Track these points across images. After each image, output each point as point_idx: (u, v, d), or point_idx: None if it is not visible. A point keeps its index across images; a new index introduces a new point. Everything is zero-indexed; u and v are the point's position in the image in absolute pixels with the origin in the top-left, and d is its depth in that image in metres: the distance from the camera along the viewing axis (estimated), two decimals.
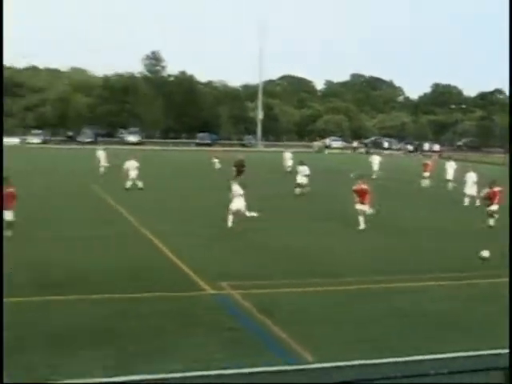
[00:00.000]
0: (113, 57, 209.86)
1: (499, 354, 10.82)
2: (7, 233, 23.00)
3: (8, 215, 23.48)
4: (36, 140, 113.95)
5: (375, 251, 23.86)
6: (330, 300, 17.05)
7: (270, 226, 28.27)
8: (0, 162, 22.12)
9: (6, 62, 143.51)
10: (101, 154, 54.55)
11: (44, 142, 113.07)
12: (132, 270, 19.78)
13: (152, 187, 41.68)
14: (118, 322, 14.76)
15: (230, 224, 27.03)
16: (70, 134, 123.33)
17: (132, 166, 42.15)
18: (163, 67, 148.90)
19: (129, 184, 41.33)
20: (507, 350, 9.02)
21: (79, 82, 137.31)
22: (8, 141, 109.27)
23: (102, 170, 52.37)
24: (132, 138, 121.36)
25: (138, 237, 25.52)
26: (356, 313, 15.93)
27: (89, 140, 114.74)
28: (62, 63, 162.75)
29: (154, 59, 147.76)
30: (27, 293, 16.90)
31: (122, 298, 16.61)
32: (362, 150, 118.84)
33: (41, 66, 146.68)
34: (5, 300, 16.08)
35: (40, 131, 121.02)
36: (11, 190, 23.86)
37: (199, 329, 14.40)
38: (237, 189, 27.77)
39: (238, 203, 27.32)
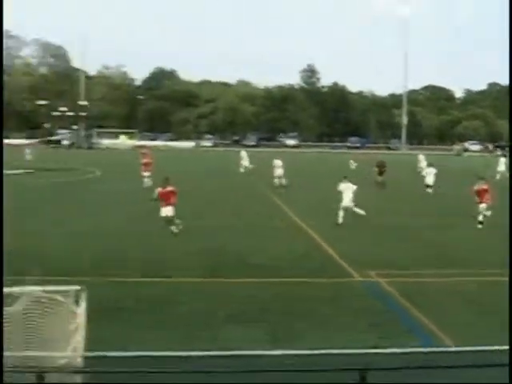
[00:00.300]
0: (273, 70, 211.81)
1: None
2: (172, 226, 23.61)
3: (169, 211, 23.75)
4: (208, 143, 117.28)
5: (501, 245, 23.02)
6: (469, 289, 16.51)
7: (406, 222, 27.74)
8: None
9: (185, 76, 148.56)
10: (243, 155, 55.18)
11: (215, 146, 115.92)
12: (291, 257, 19.92)
13: (303, 185, 41.97)
14: (277, 303, 14.88)
15: (340, 220, 26.33)
16: (236, 138, 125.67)
17: (278, 165, 42.39)
18: (318, 79, 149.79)
19: (276, 182, 41.54)
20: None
21: (245, 93, 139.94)
22: (185, 144, 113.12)
23: (241, 170, 53.06)
24: (290, 142, 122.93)
25: (295, 228, 25.69)
26: (495, 302, 15.33)
27: (253, 143, 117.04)
28: (230, 77, 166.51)
29: (310, 72, 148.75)
30: (200, 274, 17.34)
31: (281, 282, 16.70)
32: (499, 152, 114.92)
33: (213, 80, 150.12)
34: (177, 280, 16.59)
35: (211, 136, 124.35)
36: (171, 188, 24.05)
37: (349, 311, 14.31)
38: (347, 186, 27.23)
39: (348, 200, 26.84)
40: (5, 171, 48.60)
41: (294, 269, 18.28)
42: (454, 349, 11.79)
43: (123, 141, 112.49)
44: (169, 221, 23.70)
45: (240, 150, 58.24)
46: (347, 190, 26.85)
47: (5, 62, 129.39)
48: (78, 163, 59.72)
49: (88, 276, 14.91)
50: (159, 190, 24.50)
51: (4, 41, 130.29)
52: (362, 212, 26.60)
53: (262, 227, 25.74)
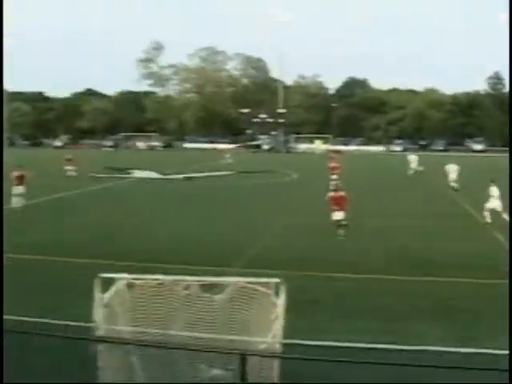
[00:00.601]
0: (460, 78, 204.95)
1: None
2: (340, 230, 22.70)
3: (339, 215, 22.92)
4: (397, 148, 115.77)
5: None
6: None
7: None
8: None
9: (375, 85, 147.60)
10: (412, 158, 53.75)
11: (404, 150, 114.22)
12: (476, 256, 19.35)
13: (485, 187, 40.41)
14: (460, 301, 14.58)
15: (487, 219, 25.31)
16: (424, 143, 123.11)
17: (452, 170, 41.29)
18: (504, 85, 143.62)
19: (452, 184, 40.04)
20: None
21: (432, 100, 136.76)
22: (375, 149, 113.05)
23: (411, 172, 51.91)
24: (477, 147, 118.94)
25: (479, 227, 24.89)
26: None
27: (440, 148, 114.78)
28: (418, 84, 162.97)
29: (496, 78, 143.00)
30: (383, 272, 17.21)
31: (464, 282, 16.22)
32: None
33: (401, 87, 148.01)
34: (364, 276, 16.59)
35: (401, 141, 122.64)
36: (342, 193, 23.59)
37: None
38: (494, 190, 25.95)
39: (494, 203, 25.59)
40: (208, 173, 50.64)
41: (480, 268, 17.67)
42: None
43: (318, 145, 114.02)
44: (338, 225, 22.95)
45: (408, 155, 57.11)
46: (494, 193, 26.04)
47: (213, 75, 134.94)
48: (276, 166, 60.97)
49: (283, 270, 15.22)
50: (332, 194, 24.25)
51: (212, 56, 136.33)
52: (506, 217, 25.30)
53: (447, 226, 25.16)
